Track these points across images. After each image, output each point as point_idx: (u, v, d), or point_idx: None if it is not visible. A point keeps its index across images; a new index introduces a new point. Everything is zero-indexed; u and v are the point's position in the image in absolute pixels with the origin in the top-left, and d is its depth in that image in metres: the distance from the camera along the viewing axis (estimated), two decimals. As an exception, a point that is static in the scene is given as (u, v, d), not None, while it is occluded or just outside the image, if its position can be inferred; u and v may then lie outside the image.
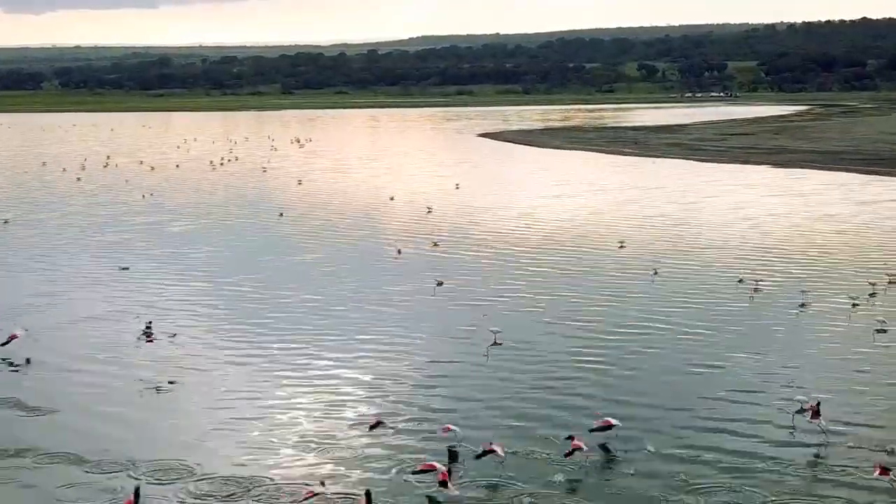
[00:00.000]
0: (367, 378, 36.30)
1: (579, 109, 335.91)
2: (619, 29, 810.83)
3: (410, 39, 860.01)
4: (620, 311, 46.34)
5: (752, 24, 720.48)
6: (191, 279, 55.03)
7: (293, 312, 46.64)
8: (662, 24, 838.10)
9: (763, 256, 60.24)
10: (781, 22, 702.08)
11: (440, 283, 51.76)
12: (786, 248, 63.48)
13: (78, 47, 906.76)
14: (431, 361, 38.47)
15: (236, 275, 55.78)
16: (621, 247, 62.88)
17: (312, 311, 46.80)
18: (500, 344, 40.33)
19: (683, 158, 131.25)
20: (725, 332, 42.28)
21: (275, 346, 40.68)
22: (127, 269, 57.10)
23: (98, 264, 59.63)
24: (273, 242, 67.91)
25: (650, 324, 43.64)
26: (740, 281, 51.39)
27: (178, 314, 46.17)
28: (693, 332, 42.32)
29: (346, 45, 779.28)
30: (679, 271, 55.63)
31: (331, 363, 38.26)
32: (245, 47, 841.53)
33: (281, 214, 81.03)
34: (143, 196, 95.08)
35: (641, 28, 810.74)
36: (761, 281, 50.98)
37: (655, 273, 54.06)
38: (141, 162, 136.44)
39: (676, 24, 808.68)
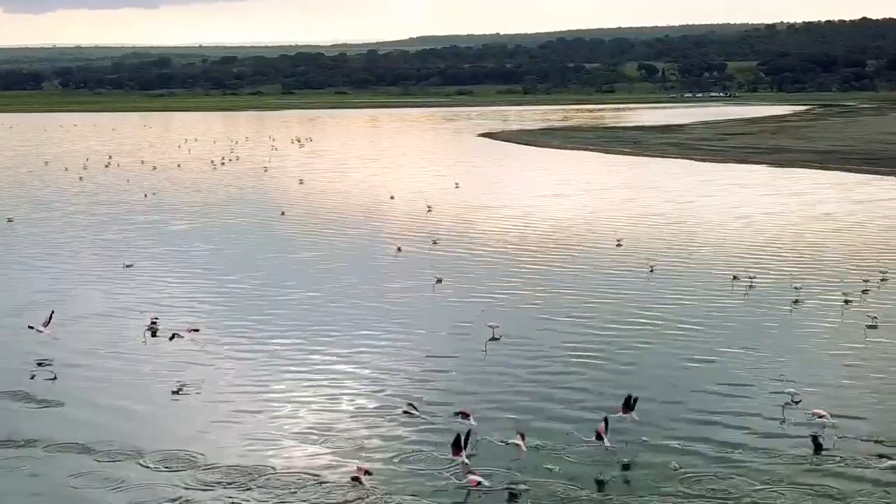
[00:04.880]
0: (366, 372, 37.21)
1: (579, 109, 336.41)
2: (618, 29, 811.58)
3: (410, 39, 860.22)
4: (616, 307, 47.16)
5: (752, 25, 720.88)
6: (193, 276, 55.84)
7: (294, 309, 47.51)
8: (662, 24, 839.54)
9: (758, 254, 61.15)
10: (781, 22, 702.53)
11: (439, 280, 52.60)
12: (780, 245, 64.48)
13: (78, 47, 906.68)
14: (429, 356, 39.38)
15: (237, 272, 56.62)
16: (618, 245, 63.77)
17: (312, 308, 47.65)
18: (498, 339, 41.18)
19: (682, 158, 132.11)
20: (719, 328, 43.09)
21: (276, 341, 41.51)
22: (131, 266, 57.88)
23: (101, 262, 60.44)
24: (275, 240, 68.74)
25: (645, 320, 44.46)
26: (735, 278, 52.19)
27: (179, 311, 47.01)
28: (687, 327, 43.16)
29: (346, 45, 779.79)
30: (674, 269, 56.45)
31: (331, 358, 39.14)
32: (245, 47, 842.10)
33: (283, 213, 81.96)
34: (146, 195, 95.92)
35: (641, 28, 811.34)
36: (755, 277, 51.82)
37: (651, 270, 54.93)
38: (142, 161, 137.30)
39: (676, 25, 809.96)
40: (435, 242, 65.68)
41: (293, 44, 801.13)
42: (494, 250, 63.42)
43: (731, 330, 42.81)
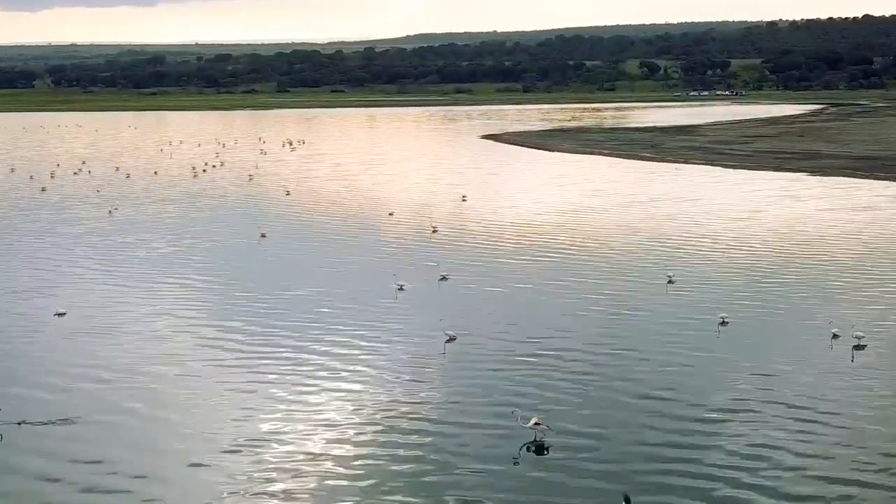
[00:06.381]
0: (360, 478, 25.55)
1: (584, 109, 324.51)
2: (617, 27, 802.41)
3: (407, 37, 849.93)
4: (686, 381, 35.60)
5: (752, 22, 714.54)
6: (133, 331, 43.91)
7: (265, 376, 36.08)
8: (661, 21, 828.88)
9: (850, 298, 48.65)
10: (782, 19, 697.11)
11: (452, 339, 40.95)
12: (875, 284, 51.78)
13: (73, 45, 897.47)
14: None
15: (194, 323, 44.93)
16: (670, 283, 51.80)
17: (289, 374, 35.95)
18: (542, 445, 29.56)
19: (708, 164, 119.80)
20: (838, 419, 31.45)
21: (244, 416, 29.86)
22: (63, 314, 46.11)
23: (26, 308, 48.46)
24: (250, 274, 56.82)
25: (731, 405, 32.84)
26: (835, 336, 40.38)
27: (127, 379, 35.35)
28: (793, 413, 31.54)
29: (342, 42, 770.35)
30: (750, 320, 44.54)
31: (313, 453, 27.59)
32: (241, 45, 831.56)
33: (263, 235, 69.76)
34: (110, 211, 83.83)
35: (640, 25, 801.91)
36: (862, 337, 39.92)
37: (723, 323, 43.07)
38: (117, 168, 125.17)
39: (675, 22, 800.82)
40: (444, 278, 53.77)
41: (289, 41, 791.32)
42: (517, 291, 51.44)
43: (854, 427, 30.97)
